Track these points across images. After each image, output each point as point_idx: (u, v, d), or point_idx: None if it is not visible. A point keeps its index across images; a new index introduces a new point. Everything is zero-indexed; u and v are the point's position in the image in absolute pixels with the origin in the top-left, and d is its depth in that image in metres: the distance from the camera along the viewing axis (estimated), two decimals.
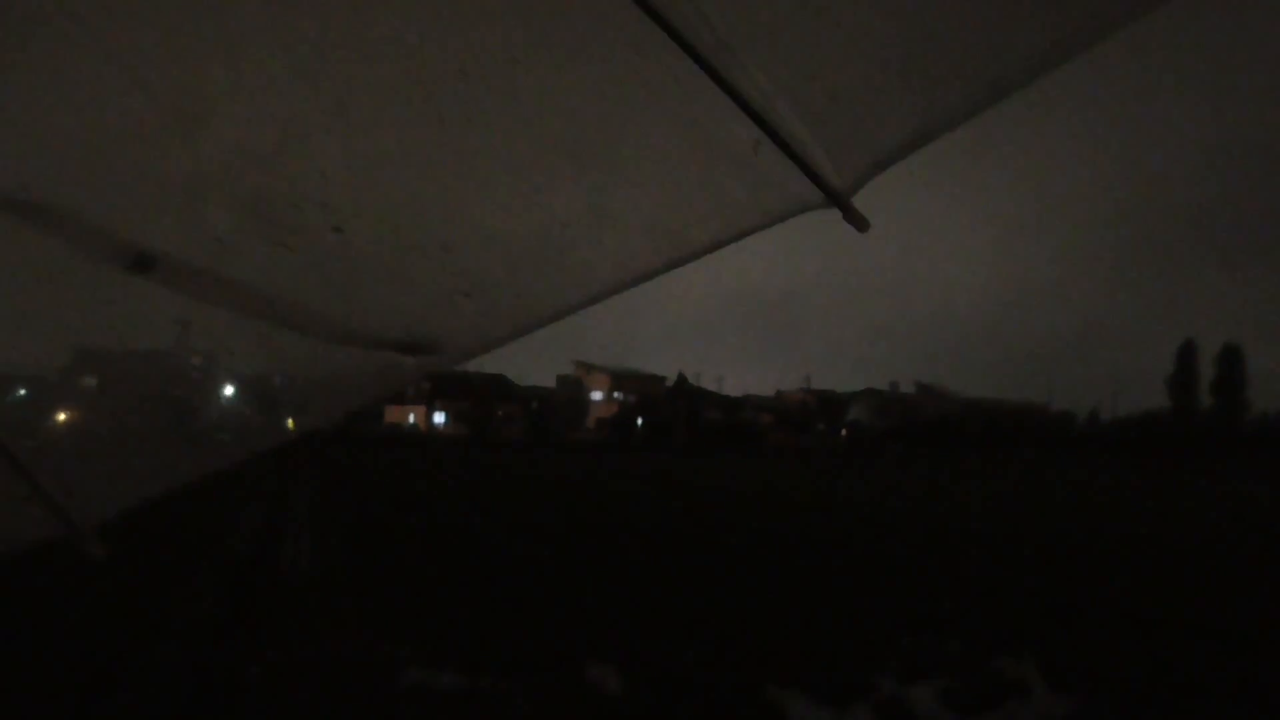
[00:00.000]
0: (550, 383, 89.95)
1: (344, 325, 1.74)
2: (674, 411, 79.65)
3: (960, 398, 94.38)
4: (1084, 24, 1.21)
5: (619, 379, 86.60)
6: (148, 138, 1.43)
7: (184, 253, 1.56)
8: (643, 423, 78.71)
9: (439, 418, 76.82)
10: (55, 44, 1.30)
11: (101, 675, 6.31)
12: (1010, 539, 15.89)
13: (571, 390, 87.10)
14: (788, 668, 7.00)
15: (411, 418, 76.91)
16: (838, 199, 1.42)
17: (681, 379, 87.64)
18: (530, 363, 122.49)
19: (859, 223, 1.44)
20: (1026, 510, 21.98)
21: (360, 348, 1.76)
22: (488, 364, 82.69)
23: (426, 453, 47.85)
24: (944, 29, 1.26)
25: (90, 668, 6.46)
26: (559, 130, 1.48)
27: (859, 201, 1.42)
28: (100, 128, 1.44)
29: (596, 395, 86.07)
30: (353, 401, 2.04)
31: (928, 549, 14.23)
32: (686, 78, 1.30)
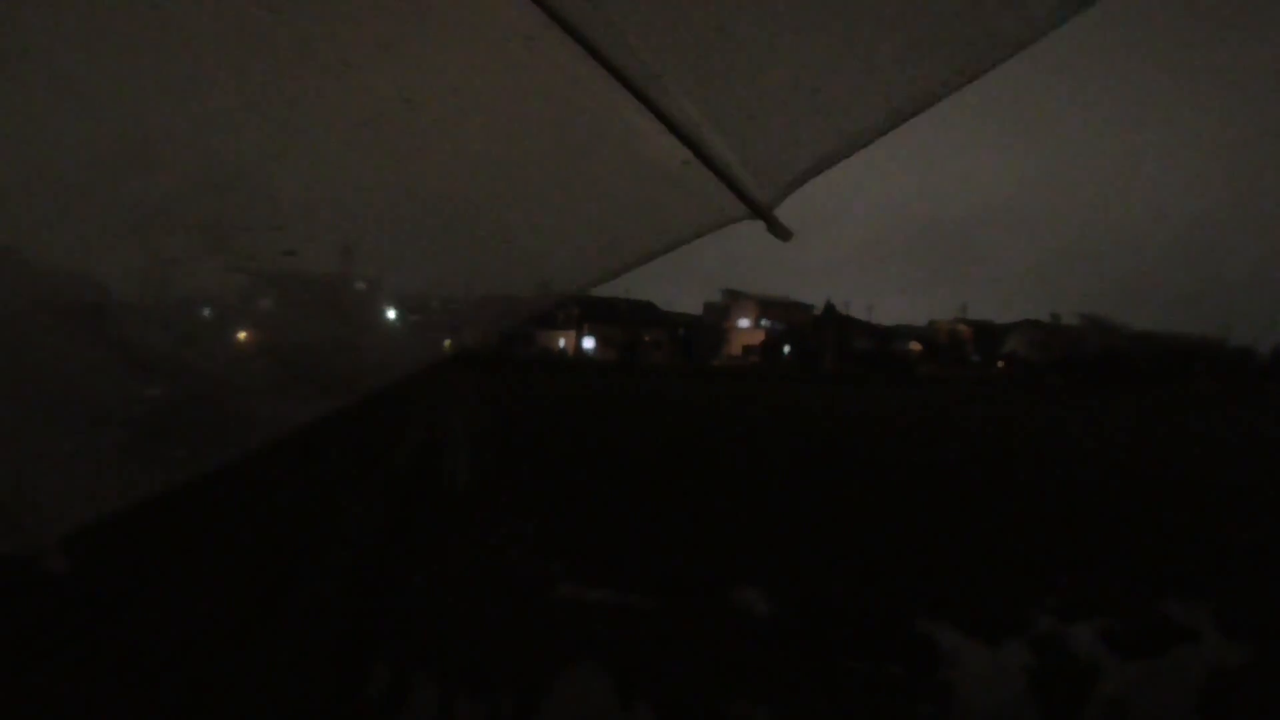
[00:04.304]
0: (698, 310, 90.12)
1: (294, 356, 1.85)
2: (821, 340, 78.57)
3: (1128, 330, 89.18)
4: (980, 53, 1.31)
5: (766, 306, 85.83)
6: (103, 171, 1.49)
7: (136, 285, 1.63)
8: (790, 350, 78.05)
9: (588, 342, 78.27)
10: (7, 79, 1.34)
11: (277, 581, 6.80)
12: (1185, 478, 15.04)
13: (718, 317, 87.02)
14: (940, 600, 6.89)
15: (561, 342, 78.68)
16: (761, 212, 1.54)
17: (830, 307, 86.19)
18: (678, 290, 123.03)
19: (782, 234, 1.57)
20: (1203, 449, 20.73)
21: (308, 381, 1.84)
22: (635, 290, 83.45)
23: (575, 376, 48.90)
24: (845, 58, 1.40)
25: (265, 574, 6.98)
26: (502, 155, 1.59)
27: (781, 214, 1.56)
28: (55, 162, 1.49)
29: (744, 323, 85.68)
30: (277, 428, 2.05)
31: (1094, 485, 13.64)
32: (621, 105, 1.43)
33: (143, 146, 1.49)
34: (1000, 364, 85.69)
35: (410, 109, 1.47)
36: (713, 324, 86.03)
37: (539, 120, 1.55)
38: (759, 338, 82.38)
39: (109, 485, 1.70)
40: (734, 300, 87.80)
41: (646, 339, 78.00)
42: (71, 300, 1.63)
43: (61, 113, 1.42)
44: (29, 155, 1.50)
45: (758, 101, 1.47)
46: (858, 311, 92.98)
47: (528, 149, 1.60)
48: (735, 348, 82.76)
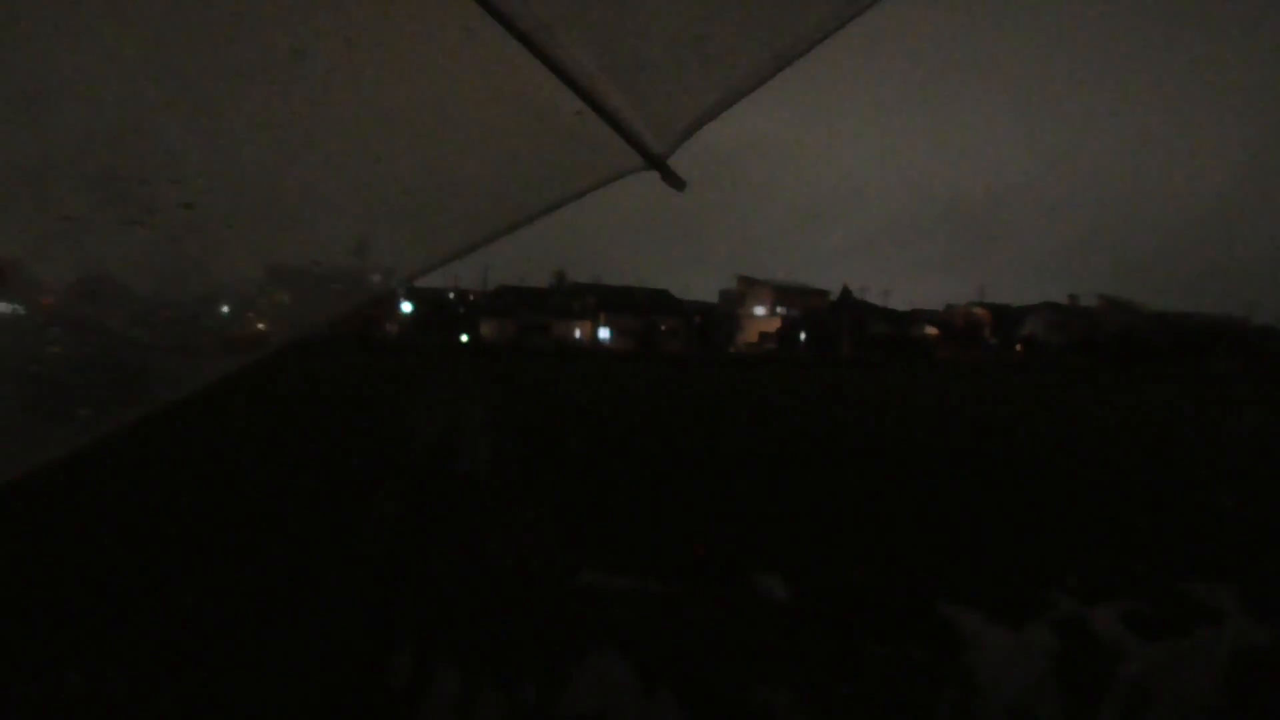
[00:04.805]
0: (713, 298, 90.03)
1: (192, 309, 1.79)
2: (837, 325, 78.39)
3: (1147, 311, 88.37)
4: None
5: (782, 293, 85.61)
6: None
7: (32, 241, 1.57)
8: (806, 337, 77.92)
9: (604, 332, 78.30)
10: None
11: (298, 573, 6.84)
12: (1209, 458, 14.92)
13: (734, 304, 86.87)
14: (961, 583, 6.87)
15: (577, 332, 78.74)
16: (656, 162, 1.57)
17: (846, 292, 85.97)
18: (694, 278, 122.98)
19: (675, 183, 1.59)
20: (1226, 429, 20.56)
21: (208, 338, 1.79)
22: (651, 279, 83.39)
23: (592, 365, 48.93)
24: (729, 7, 1.43)
25: (287, 566, 7.02)
26: (397, 106, 1.59)
27: (675, 163, 1.59)
28: None
29: (759, 309, 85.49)
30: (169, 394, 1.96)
31: (1116, 467, 13.55)
32: (512, 56, 1.43)
33: (33, 100, 1.44)
34: (1018, 347, 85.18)
35: (300, 60, 1.46)
36: (728, 311, 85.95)
37: (430, 71, 1.54)
38: (775, 324, 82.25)
39: (8, 446, 1.64)
40: (749, 287, 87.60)
41: (662, 327, 77.96)
42: None
43: None
44: None
45: (647, 51, 1.48)
46: (873, 296, 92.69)
47: (419, 101, 1.60)
48: (751, 335, 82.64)
